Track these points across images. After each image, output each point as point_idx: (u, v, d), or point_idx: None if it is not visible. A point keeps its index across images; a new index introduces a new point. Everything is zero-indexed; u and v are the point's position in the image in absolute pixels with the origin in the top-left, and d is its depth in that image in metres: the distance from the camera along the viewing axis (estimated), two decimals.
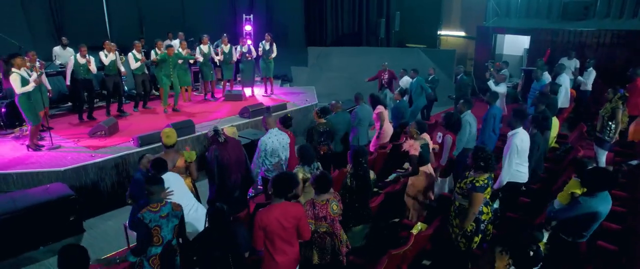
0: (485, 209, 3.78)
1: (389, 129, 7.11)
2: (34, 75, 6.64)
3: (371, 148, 7.04)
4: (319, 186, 3.51)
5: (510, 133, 4.60)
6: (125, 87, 9.53)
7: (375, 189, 5.27)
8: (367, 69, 11.46)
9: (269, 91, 10.84)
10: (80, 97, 8.02)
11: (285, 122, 5.60)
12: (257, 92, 10.86)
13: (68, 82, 7.92)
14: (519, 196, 4.90)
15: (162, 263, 3.22)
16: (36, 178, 5.80)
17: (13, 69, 6.15)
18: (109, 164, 6.27)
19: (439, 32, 14.57)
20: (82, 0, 11.54)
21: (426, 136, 4.96)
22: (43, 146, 6.68)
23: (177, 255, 3.43)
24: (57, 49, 9.05)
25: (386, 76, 10.12)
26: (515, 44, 13.46)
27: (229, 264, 2.92)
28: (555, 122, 6.56)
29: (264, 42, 10.38)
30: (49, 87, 7.36)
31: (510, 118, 4.65)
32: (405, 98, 8.56)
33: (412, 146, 4.67)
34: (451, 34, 14.64)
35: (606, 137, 6.04)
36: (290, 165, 5.66)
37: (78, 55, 7.67)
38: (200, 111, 9.15)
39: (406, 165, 5.02)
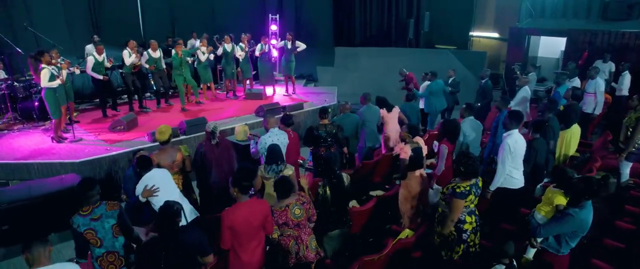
0: (468, 219, 3.63)
1: (394, 131, 6.96)
2: (64, 72, 7.09)
3: (383, 150, 6.95)
4: (279, 191, 3.50)
5: (504, 134, 4.41)
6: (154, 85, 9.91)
7: (378, 192, 5.20)
8: (394, 70, 11.21)
9: (290, 90, 10.92)
10: (101, 94, 8.44)
11: (286, 121, 5.63)
12: (279, 91, 10.98)
13: (99, 76, 8.30)
14: (517, 206, 4.65)
15: (141, 257, 3.24)
16: (54, 169, 6.17)
17: (43, 65, 6.55)
18: (122, 157, 6.55)
19: (470, 33, 14.11)
20: (118, 0, 12.12)
21: (419, 140, 4.83)
22: (66, 138, 7.09)
23: (131, 252, 3.51)
24: (89, 47, 9.50)
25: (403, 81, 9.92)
26: (551, 46, 12.80)
27: (170, 265, 2.92)
28: (577, 129, 6.18)
29: (285, 41, 10.47)
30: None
31: (505, 120, 4.45)
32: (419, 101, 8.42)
33: (403, 150, 4.56)
34: (484, 36, 14.14)
35: (632, 149, 5.64)
36: (294, 163, 5.71)
37: (95, 53, 8.06)
38: (218, 108, 9.38)
39: None
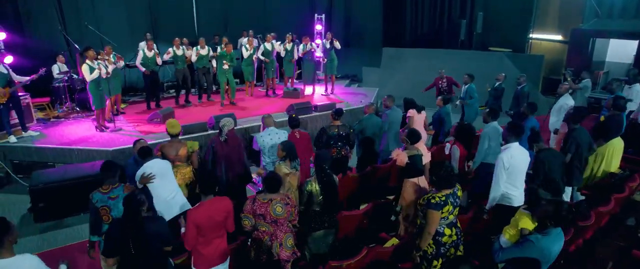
0: (447, 231, 3.44)
1: (422, 134, 6.72)
2: (110, 67, 7.73)
3: None
4: (267, 185, 3.55)
5: (502, 147, 4.09)
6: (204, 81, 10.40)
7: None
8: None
9: (329, 90, 10.95)
10: (147, 87, 9.05)
11: (291, 123, 5.68)
12: (319, 91, 11.05)
13: (144, 69, 8.91)
14: None
15: (107, 238, 3.41)
16: (91, 155, 6.76)
17: (87, 61, 7.20)
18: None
19: (529, 35, 13.17)
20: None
21: (421, 147, 4.63)
22: (108, 127, 7.72)
23: None
24: (142, 44, 10.26)
25: (444, 83, 9.54)
26: (622, 50, 11.55)
27: (131, 255, 3.07)
28: (619, 143, 5.57)
29: (324, 41, 10.51)
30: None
31: (504, 131, 4.12)
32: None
33: (399, 156, 4.41)
34: (545, 38, 13.13)
35: None
36: (303, 162, 5.76)
37: (145, 48, 8.65)
38: (254, 105, 9.66)
39: None
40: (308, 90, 11.05)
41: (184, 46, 9.28)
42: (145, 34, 10.20)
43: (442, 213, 3.35)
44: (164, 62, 9.28)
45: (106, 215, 3.66)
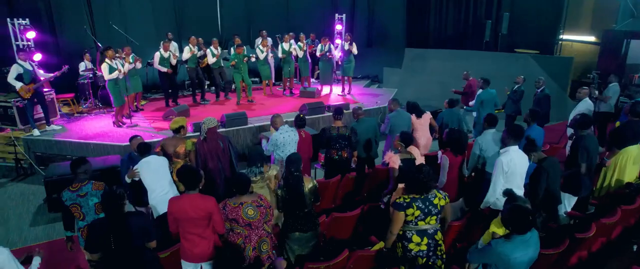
0: (416, 239, 3.34)
1: (422, 138, 6.58)
2: (127, 65, 8.01)
3: None
4: (235, 188, 3.54)
5: (501, 151, 3.94)
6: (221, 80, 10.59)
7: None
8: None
9: (346, 91, 10.90)
10: (164, 86, 9.32)
11: (297, 122, 5.69)
12: (336, 91, 11.03)
13: (163, 69, 9.19)
14: None
15: (89, 233, 3.50)
16: (105, 149, 7.02)
17: (106, 60, 7.49)
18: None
19: (560, 37, 12.62)
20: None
21: (414, 150, 4.53)
22: (124, 123, 8.00)
23: None
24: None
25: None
26: None
27: (119, 245, 3.17)
28: (636, 151, 5.25)
29: (343, 41, 10.47)
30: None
31: (503, 134, 3.97)
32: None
33: (391, 159, 4.33)
34: (576, 39, 12.55)
35: None
36: (305, 161, 5.77)
37: (161, 49, 8.90)
38: (268, 104, 9.75)
39: None
40: (325, 90, 11.05)
41: (198, 46, 9.46)
42: (166, 34, 10.50)
43: (407, 216, 3.27)
44: (178, 62, 9.49)
45: (77, 212, 3.78)
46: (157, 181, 4.48)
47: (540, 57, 11.75)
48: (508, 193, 3.18)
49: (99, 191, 3.92)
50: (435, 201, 3.37)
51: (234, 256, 3.60)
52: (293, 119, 8.33)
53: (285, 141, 5.42)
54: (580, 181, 4.49)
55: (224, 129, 7.78)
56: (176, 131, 5.11)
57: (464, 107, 8.50)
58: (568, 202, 4.73)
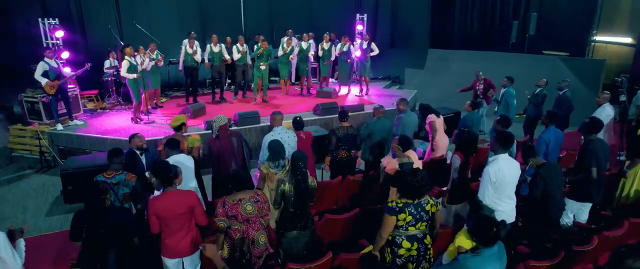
0: (406, 244, 3.27)
1: (442, 140, 6.45)
2: (147, 61, 8.26)
3: (426, 158, 6.55)
4: (233, 185, 3.58)
5: (489, 159, 3.78)
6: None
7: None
8: (488, 76, 10.28)
9: (363, 91, 10.81)
10: (185, 83, 9.54)
11: (295, 124, 5.69)
12: (354, 91, 10.96)
13: (180, 68, 9.44)
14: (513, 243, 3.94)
15: (73, 221, 3.47)
16: (121, 144, 7.20)
17: (126, 57, 7.75)
18: None
19: (592, 38, 12.03)
20: None
21: (412, 155, 4.43)
22: (142, 119, 8.25)
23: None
24: (186, 42, 10.83)
25: (481, 86, 9.03)
26: None
27: (99, 246, 3.27)
28: None
29: (361, 41, 10.39)
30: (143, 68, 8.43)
31: (492, 142, 3.81)
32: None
33: (390, 163, 4.25)
34: (611, 41, 11.93)
35: None
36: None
37: (187, 46, 9.12)
38: (284, 103, 9.81)
39: None
40: (343, 90, 11.01)
41: (222, 44, 9.64)
42: (190, 33, 10.74)
43: (399, 221, 3.20)
44: (202, 60, 9.69)
45: (107, 199, 3.92)
46: (187, 182, 4.52)
47: (570, 60, 11.26)
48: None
49: (131, 182, 4.09)
50: (427, 207, 3.30)
51: (233, 252, 3.64)
52: (306, 119, 8.53)
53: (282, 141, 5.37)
54: (588, 187, 4.26)
55: (236, 128, 7.89)
56: (177, 128, 5.23)
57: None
58: (579, 211, 4.50)
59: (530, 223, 4.19)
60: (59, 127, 7.86)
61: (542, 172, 3.93)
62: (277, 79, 11.58)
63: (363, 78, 10.66)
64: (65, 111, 8.11)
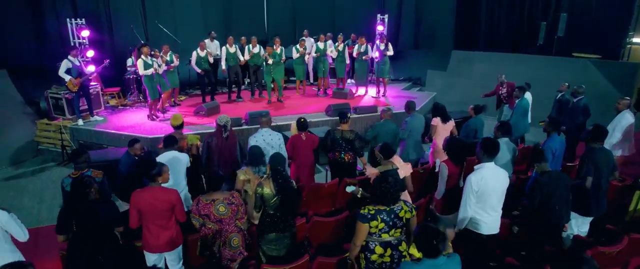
0: (379, 250, 3.21)
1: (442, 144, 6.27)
2: (163, 65, 8.50)
3: (430, 163, 6.40)
4: (208, 184, 3.63)
5: (475, 167, 3.63)
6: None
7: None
8: (513, 79, 9.90)
9: (380, 92, 10.69)
10: (201, 83, 9.75)
11: (299, 125, 5.68)
12: (371, 93, 10.85)
13: (198, 70, 9.64)
14: (486, 255, 3.76)
15: (58, 216, 3.60)
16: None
17: (142, 56, 8.01)
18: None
19: (629, 40, 11.35)
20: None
21: (397, 161, 4.32)
22: (158, 117, 8.50)
23: None
24: (206, 42, 11.06)
25: (504, 90, 8.72)
26: None
27: (85, 237, 3.39)
28: None
29: (378, 42, 10.27)
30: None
31: (477, 150, 3.65)
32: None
33: (371, 173, 4.18)
34: None
35: None
36: (305, 164, 5.77)
37: (198, 49, 9.32)
38: (297, 104, 9.85)
39: None
40: (361, 91, 10.92)
41: (236, 45, 9.79)
42: (210, 33, 10.95)
43: (371, 228, 3.14)
44: (215, 60, 9.85)
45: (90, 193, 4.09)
46: (177, 176, 4.61)
47: (601, 63, 10.67)
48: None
49: (97, 178, 4.23)
50: (401, 214, 3.22)
51: (204, 250, 3.71)
52: (317, 119, 8.54)
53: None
54: (585, 199, 4.03)
55: (246, 127, 8.00)
56: (178, 127, 5.34)
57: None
58: (577, 223, 4.26)
59: (529, 232, 4.02)
60: (80, 122, 8.22)
61: (541, 180, 3.75)
62: (294, 79, 11.63)
63: (381, 79, 10.53)
64: (86, 107, 8.47)
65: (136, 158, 4.99)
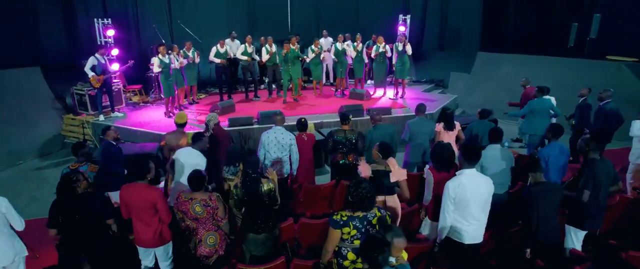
0: (351, 256, 3.17)
1: None
2: (181, 59, 8.74)
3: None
4: (190, 183, 3.70)
5: (456, 173, 3.51)
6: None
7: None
8: (541, 82, 9.47)
9: (398, 94, 10.53)
10: (219, 81, 9.95)
11: (299, 126, 5.70)
12: (389, 94, 10.72)
13: (217, 60, 9.73)
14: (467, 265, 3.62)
15: (50, 210, 3.84)
16: (148, 137, 7.78)
17: (158, 55, 8.27)
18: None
19: None
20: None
21: (392, 163, 4.24)
22: (174, 114, 8.72)
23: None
24: (227, 41, 11.27)
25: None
26: None
27: (76, 230, 3.54)
28: None
29: (397, 43, 10.13)
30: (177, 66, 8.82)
31: (459, 156, 3.52)
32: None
33: (363, 167, 4.13)
34: None
35: None
36: (306, 164, 5.79)
37: (218, 46, 9.52)
38: (318, 103, 9.88)
39: None
40: (379, 92, 10.82)
41: (254, 45, 9.93)
42: (230, 33, 11.15)
43: (343, 234, 3.11)
44: (234, 59, 10.02)
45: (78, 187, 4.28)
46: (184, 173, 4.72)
47: (636, 66, 10.06)
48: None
49: (92, 172, 4.43)
50: (374, 221, 3.17)
51: (181, 246, 3.80)
52: (329, 120, 8.52)
53: (269, 141, 5.44)
54: (581, 213, 3.82)
55: (257, 126, 8.10)
56: (181, 125, 5.48)
57: (506, 112, 7.68)
58: (575, 237, 4.04)
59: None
60: (101, 118, 8.59)
61: (534, 191, 3.59)
62: (311, 79, 11.65)
63: (399, 80, 10.38)
64: (108, 103, 8.84)
65: (113, 143, 5.15)
